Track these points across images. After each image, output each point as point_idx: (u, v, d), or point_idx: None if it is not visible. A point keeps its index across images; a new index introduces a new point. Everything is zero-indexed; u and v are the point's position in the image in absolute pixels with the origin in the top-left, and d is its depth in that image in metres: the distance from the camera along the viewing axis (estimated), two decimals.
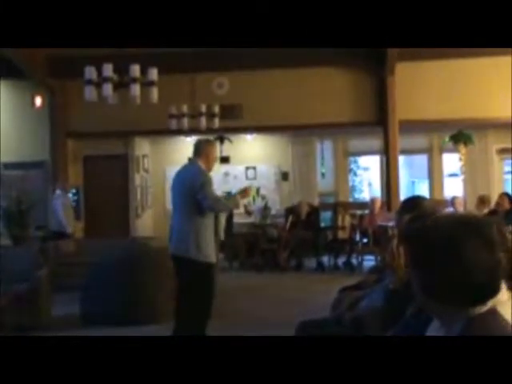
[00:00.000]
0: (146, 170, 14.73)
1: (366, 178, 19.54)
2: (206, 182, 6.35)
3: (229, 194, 7.06)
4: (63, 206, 11.73)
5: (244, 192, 6.59)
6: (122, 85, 8.21)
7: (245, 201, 6.82)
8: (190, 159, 6.79)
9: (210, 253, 6.41)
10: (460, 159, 13.15)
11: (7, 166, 12.89)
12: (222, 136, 13.72)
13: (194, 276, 6.40)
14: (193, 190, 6.33)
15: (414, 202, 4.27)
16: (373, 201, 12.71)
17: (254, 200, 14.21)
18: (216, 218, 6.74)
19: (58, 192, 11.95)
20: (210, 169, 6.65)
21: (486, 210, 10.61)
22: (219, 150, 14.01)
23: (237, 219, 13.62)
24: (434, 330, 2.51)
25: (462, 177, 13.65)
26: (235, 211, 13.43)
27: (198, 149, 6.60)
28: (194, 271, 6.39)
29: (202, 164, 6.51)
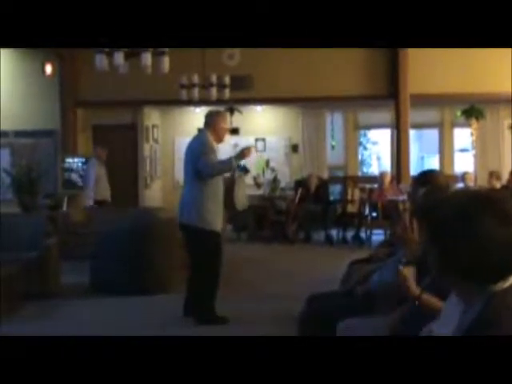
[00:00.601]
0: (156, 141, 14.67)
1: (375, 151, 19.44)
2: (205, 152, 6.42)
3: (239, 167, 7.03)
4: (95, 175, 11.65)
5: (241, 154, 6.56)
6: (133, 54, 8.15)
7: (243, 160, 6.83)
8: (199, 130, 6.81)
9: (214, 221, 6.48)
10: (471, 134, 13.03)
11: (17, 134, 12.87)
12: (232, 107, 13.62)
13: (199, 243, 6.52)
14: (194, 160, 6.42)
15: (429, 176, 4.24)
16: (382, 175, 12.63)
17: (263, 172, 14.15)
18: (230, 189, 6.78)
19: (92, 160, 11.94)
20: (220, 140, 6.69)
21: (497, 186, 10.55)
22: (229, 121, 13.93)
23: (246, 191, 13.56)
24: (452, 304, 2.47)
25: (473, 152, 13.55)
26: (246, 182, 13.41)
27: (207, 120, 6.69)
28: (198, 239, 6.51)
29: (210, 135, 6.55)
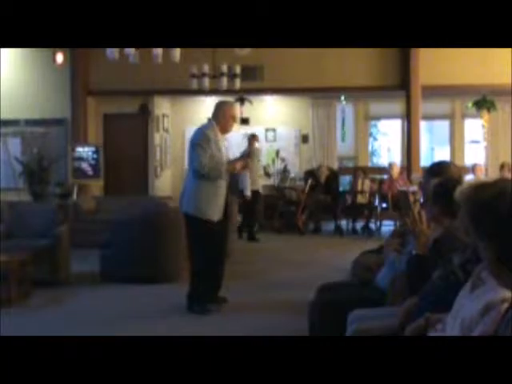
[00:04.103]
0: (166, 130, 14.67)
1: (385, 142, 19.35)
2: (199, 144, 6.45)
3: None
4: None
5: (232, 166, 6.58)
6: None
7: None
8: (208, 119, 6.84)
9: (209, 210, 6.46)
10: (483, 126, 12.96)
11: (28, 122, 12.87)
12: (242, 97, 13.61)
13: (194, 232, 6.57)
14: (189, 149, 6.62)
15: (441, 166, 4.24)
16: (391, 166, 12.62)
17: (273, 162, 14.13)
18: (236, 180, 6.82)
19: (245, 149, 11.69)
20: (226, 130, 6.73)
21: (509, 177, 10.49)
22: (239, 111, 13.92)
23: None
24: (465, 296, 2.47)
25: (484, 144, 13.48)
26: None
27: (214, 110, 6.72)
28: (194, 227, 6.55)
29: (217, 125, 6.58)
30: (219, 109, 6.70)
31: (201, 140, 6.45)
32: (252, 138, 12.05)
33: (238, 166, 6.70)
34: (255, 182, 11.48)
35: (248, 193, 11.21)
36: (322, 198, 12.61)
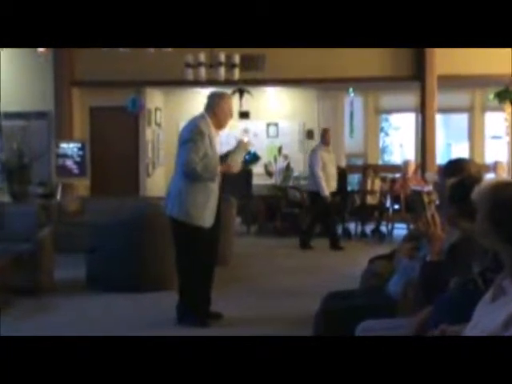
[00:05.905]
0: (159, 124, 14.68)
1: (397, 138, 19.38)
2: (191, 139, 6.30)
3: (249, 154, 7.00)
4: (322, 160, 11.18)
5: (226, 167, 6.46)
6: None
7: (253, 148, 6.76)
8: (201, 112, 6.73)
9: (201, 215, 6.36)
10: (505, 119, 12.95)
11: (8, 115, 12.85)
12: (241, 88, 13.61)
13: (179, 237, 6.49)
14: (180, 146, 6.44)
15: (459, 164, 4.22)
16: (406, 164, 12.60)
17: (275, 160, 14.14)
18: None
19: (318, 144, 11.61)
20: (221, 125, 6.60)
21: None
22: (238, 103, 13.93)
23: (256, 180, 13.58)
24: (485, 306, 2.47)
25: (506, 139, 13.48)
26: (254, 171, 13.42)
27: (209, 102, 6.62)
28: (179, 232, 6.47)
29: (210, 119, 6.47)
30: (215, 101, 6.54)
31: (193, 135, 6.31)
32: (325, 131, 11.76)
33: (235, 168, 6.57)
34: (330, 183, 11.29)
35: (326, 193, 11.13)
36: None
